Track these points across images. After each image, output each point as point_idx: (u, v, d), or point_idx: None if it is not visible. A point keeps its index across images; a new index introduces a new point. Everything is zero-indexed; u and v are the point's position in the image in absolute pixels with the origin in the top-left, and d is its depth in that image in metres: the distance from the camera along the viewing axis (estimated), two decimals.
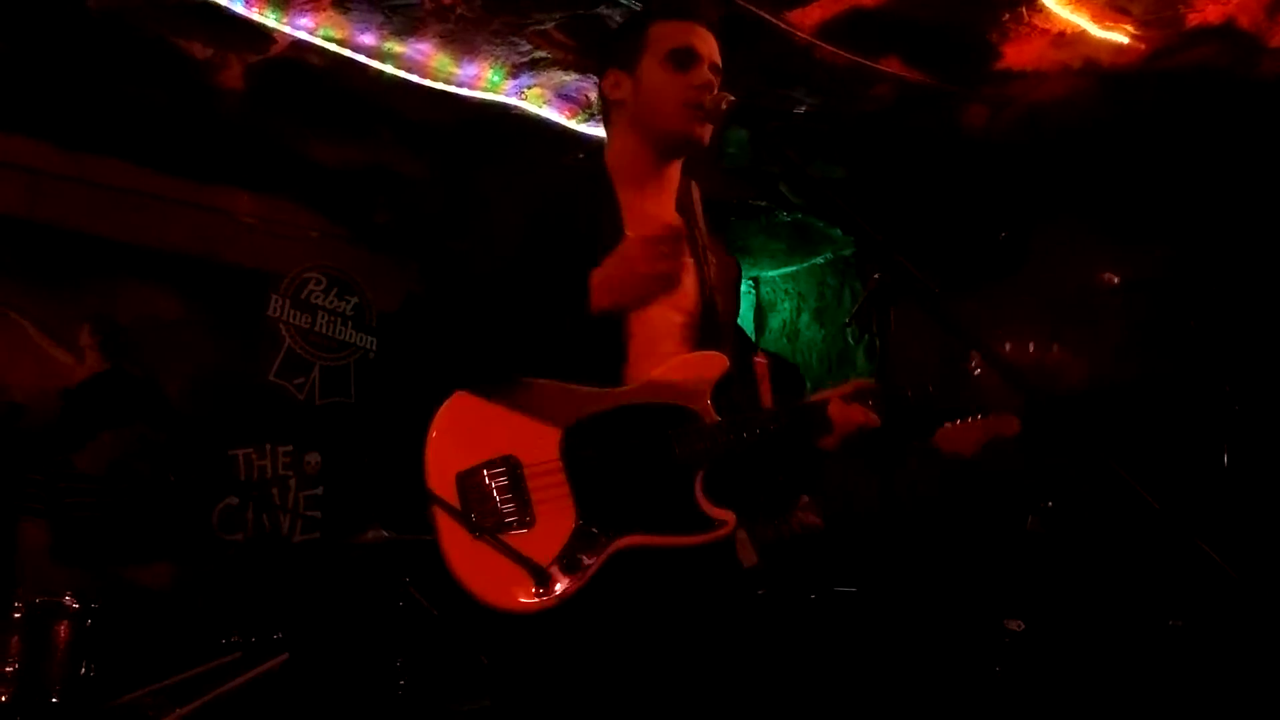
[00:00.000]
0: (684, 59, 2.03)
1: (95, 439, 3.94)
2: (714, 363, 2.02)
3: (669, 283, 1.86)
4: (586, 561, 1.81)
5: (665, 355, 1.99)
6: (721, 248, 2.21)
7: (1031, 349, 2.18)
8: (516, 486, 1.84)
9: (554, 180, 2.06)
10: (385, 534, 3.79)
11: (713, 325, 2.07)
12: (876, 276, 1.96)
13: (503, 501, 1.82)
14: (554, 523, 1.83)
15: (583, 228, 1.98)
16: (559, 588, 1.78)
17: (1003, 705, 3.73)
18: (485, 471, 1.84)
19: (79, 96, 4.62)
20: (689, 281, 2.05)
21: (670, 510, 1.89)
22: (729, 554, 2.02)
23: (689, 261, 2.06)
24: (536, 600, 1.77)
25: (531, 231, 1.96)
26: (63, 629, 3.14)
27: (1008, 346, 2.15)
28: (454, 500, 1.80)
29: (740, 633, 2.00)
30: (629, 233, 1.98)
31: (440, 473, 1.83)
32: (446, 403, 1.88)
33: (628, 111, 2.08)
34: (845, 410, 2.02)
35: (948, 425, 3.04)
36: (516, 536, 1.80)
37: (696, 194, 2.20)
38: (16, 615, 3.13)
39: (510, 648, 1.86)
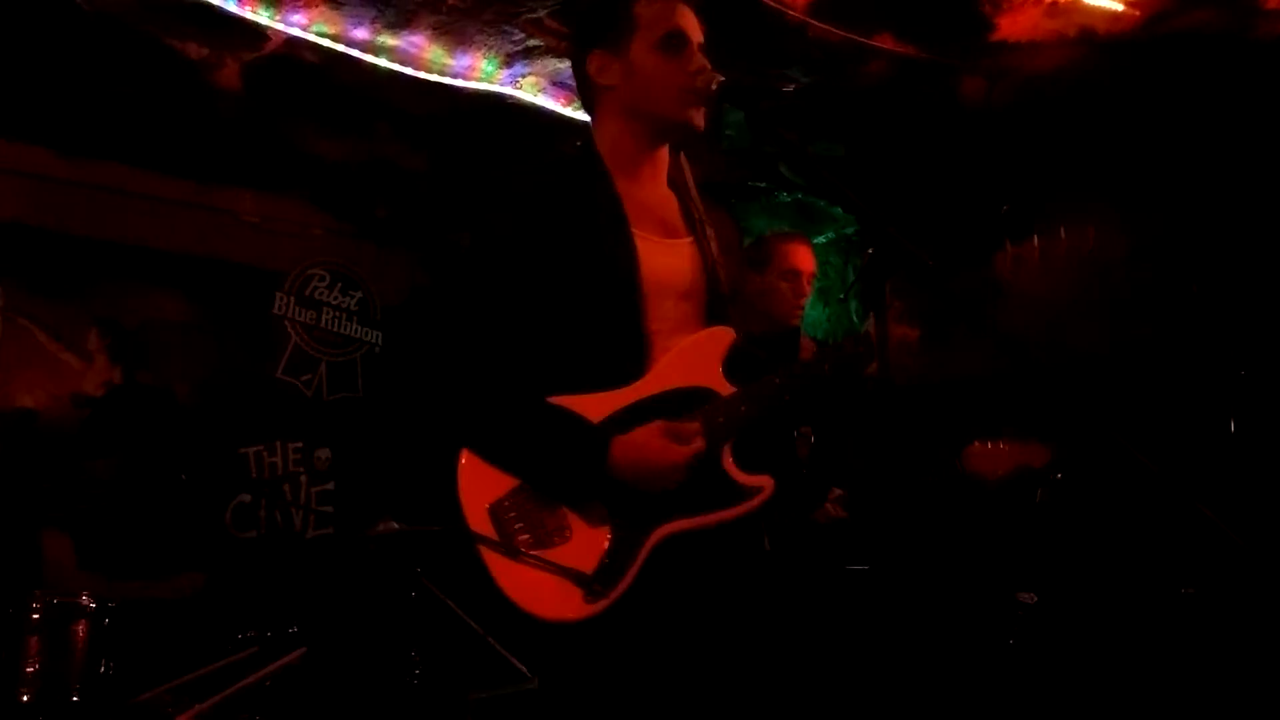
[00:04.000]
0: (677, 43, 2.01)
1: (113, 454, 3.99)
2: (721, 337, 2.02)
3: (683, 474, 1.85)
4: (629, 560, 1.82)
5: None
6: (717, 211, 2.19)
7: None
8: (548, 501, 1.86)
9: (550, 177, 2.04)
10: (396, 526, 3.81)
11: (717, 299, 2.06)
12: (870, 251, 1.96)
13: (536, 520, 1.84)
14: (590, 530, 1.84)
15: (584, 225, 1.96)
16: (608, 591, 1.79)
17: (1017, 678, 3.74)
18: (514, 496, 1.86)
19: (79, 101, 4.63)
20: (690, 262, 2.05)
21: (703, 489, 1.89)
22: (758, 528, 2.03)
23: (688, 240, 2.07)
24: (587, 607, 1.78)
25: (535, 236, 1.94)
26: (81, 628, 3.17)
27: None
28: (491, 532, 1.82)
29: (767, 610, 2.02)
30: (634, 229, 1.98)
31: (475, 511, 1.85)
32: (461, 460, 1.89)
33: (619, 97, 2.05)
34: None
35: (976, 444, 3.05)
36: (557, 551, 1.82)
37: (686, 165, 2.18)
38: (35, 616, 3.16)
39: (568, 655, 1.85)
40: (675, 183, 2.16)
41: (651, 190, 2.10)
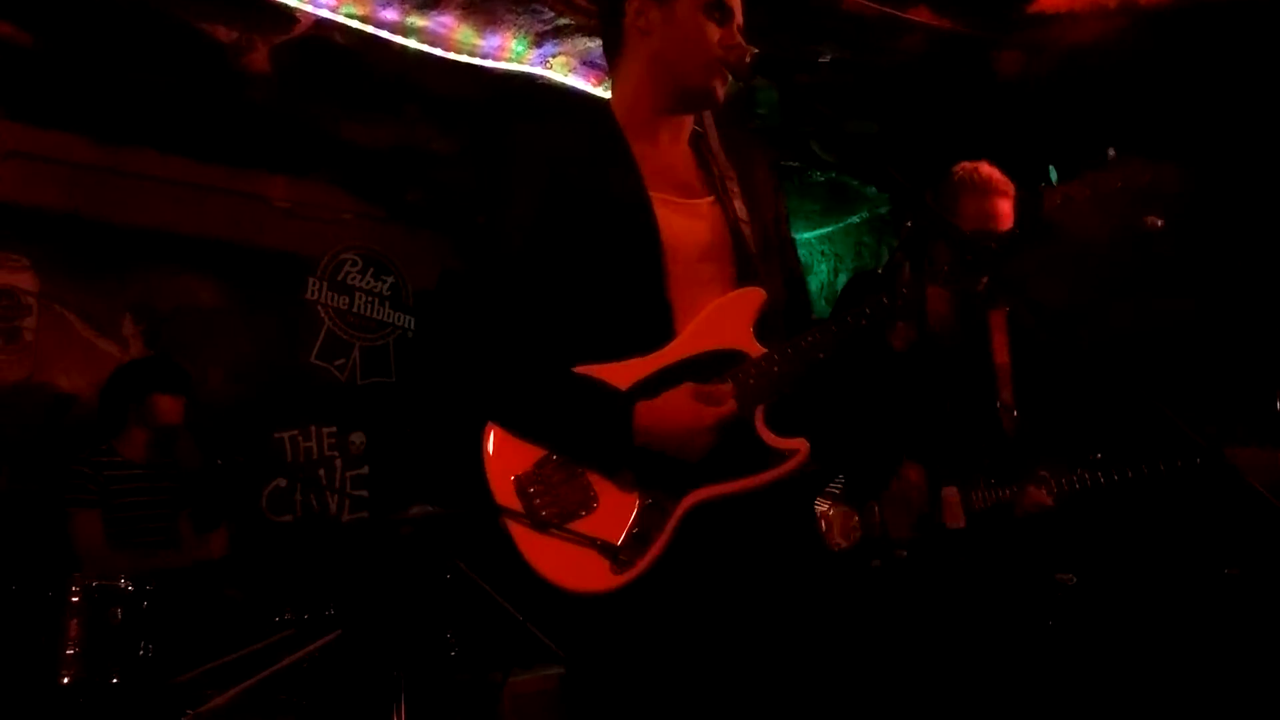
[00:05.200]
0: (723, 14, 1.97)
1: (130, 421, 4.06)
2: (750, 298, 1.93)
3: (712, 436, 1.80)
4: (658, 529, 1.78)
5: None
6: (746, 159, 2.10)
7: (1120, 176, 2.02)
8: (573, 472, 1.83)
9: (565, 137, 1.99)
10: (430, 509, 3.82)
11: (745, 260, 1.98)
12: (909, 224, 1.92)
13: (562, 491, 1.82)
14: (618, 499, 1.81)
15: (598, 188, 1.92)
16: (635, 561, 1.76)
17: (1056, 660, 3.69)
18: (539, 468, 1.83)
19: (112, 89, 4.65)
20: (711, 222, 1.99)
21: (734, 454, 1.82)
22: (807, 494, 1.96)
23: (708, 200, 2.01)
24: (616, 578, 1.75)
25: (551, 198, 1.90)
26: (119, 611, 3.21)
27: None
28: (516, 505, 1.81)
29: (818, 582, 1.96)
30: (651, 192, 1.93)
31: (501, 485, 1.84)
32: (487, 433, 1.87)
33: (650, 45, 1.99)
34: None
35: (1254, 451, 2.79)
36: (583, 521, 1.79)
37: (711, 122, 2.11)
38: (75, 599, 3.20)
39: (596, 628, 1.82)
40: (696, 142, 2.10)
41: (670, 151, 2.04)
